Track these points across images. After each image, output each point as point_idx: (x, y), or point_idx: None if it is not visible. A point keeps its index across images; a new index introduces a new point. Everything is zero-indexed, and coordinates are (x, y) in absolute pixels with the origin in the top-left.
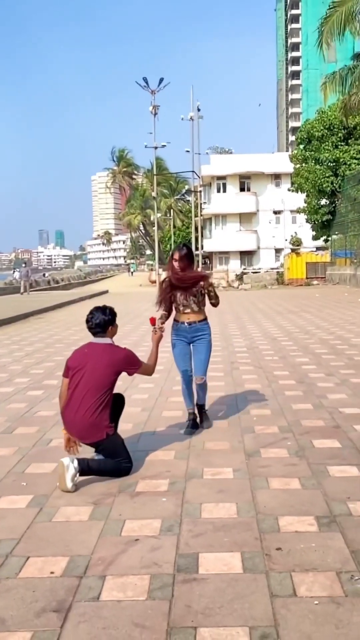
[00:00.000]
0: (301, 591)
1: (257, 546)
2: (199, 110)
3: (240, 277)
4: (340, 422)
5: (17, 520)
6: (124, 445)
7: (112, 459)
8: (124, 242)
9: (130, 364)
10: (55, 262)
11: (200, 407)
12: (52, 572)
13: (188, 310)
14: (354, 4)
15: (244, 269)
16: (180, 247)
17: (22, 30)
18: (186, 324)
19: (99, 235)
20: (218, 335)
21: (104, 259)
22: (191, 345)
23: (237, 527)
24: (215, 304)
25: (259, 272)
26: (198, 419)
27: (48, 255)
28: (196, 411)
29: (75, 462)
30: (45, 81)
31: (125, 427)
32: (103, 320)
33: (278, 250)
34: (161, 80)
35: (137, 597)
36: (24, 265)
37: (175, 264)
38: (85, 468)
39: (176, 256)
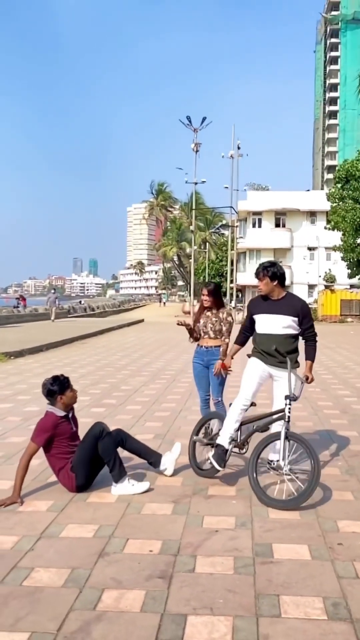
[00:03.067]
0: None
1: (320, 541)
2: (239, 148)
3: None
4: None
5: (111, 512)
6: (81, 445)
7: (97, 446)
8: (156, 273)
9: (34, 429)
10: (87, 289)
11: None
12: (150, 550)
13: (206, 336)
14: None
15: None
16: (208, 283)
17: (63, 57)
18: (203, 348)
19: (132, 265)
20: None
21: (135, 288)
22: (208, 368)
23: (302, 526)
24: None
25: None
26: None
27: (81, 283)
28: None
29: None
30: (87, 112)
31: (185, 442)
32: (47, 390)
33: (311, 286)
34: (204, 119)
35: (225, 571)
36: (53, 291)
37: (203, 298)
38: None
39: (204, 292)
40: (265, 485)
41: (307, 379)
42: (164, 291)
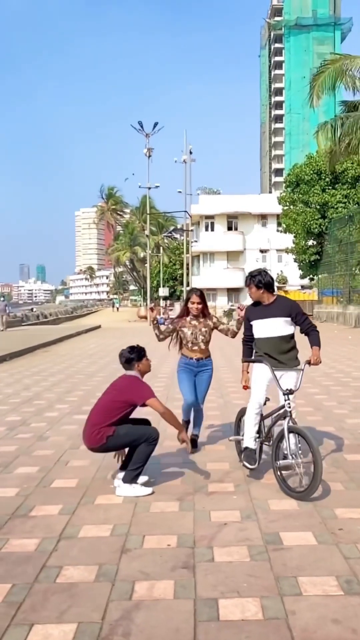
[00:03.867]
0: None
1: (322, 528)
2: (191, 153)
3: (228, 314)
4: None
5: (121, 512)
6: (134, 430)
7: (137, 445)
8: (107, 277)
9: (132, 391)
10: (36, 296)
11: (193, 434)
12: (168, 545)
13: (196, 348)
14: (343, 63)
15: (231, 305)
16: (195, 289)
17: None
18: (194, 360)
19: (81, 270)
20: (226, 368)
21: (86, 293)
22: (195, 376)
23: (302, 515)
24: (234, 334)
25: None
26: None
27: (29, 290)
28: (191, 421)
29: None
30: (33, 116)
31: (173, 443)
32: (126, 358)
33: None
34: (156, 124)
35: (242, 559)
36: (2, 299)
37: (194, 306)
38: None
39: (195, 299)
40: (286, 475)
41: (309, 363)
42: (115, 296)
